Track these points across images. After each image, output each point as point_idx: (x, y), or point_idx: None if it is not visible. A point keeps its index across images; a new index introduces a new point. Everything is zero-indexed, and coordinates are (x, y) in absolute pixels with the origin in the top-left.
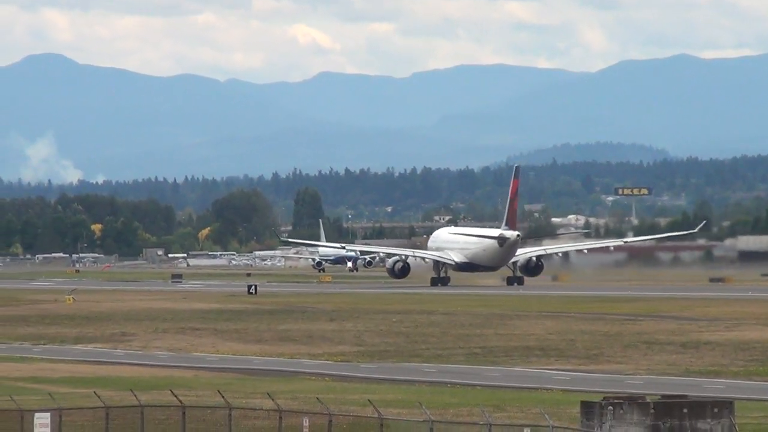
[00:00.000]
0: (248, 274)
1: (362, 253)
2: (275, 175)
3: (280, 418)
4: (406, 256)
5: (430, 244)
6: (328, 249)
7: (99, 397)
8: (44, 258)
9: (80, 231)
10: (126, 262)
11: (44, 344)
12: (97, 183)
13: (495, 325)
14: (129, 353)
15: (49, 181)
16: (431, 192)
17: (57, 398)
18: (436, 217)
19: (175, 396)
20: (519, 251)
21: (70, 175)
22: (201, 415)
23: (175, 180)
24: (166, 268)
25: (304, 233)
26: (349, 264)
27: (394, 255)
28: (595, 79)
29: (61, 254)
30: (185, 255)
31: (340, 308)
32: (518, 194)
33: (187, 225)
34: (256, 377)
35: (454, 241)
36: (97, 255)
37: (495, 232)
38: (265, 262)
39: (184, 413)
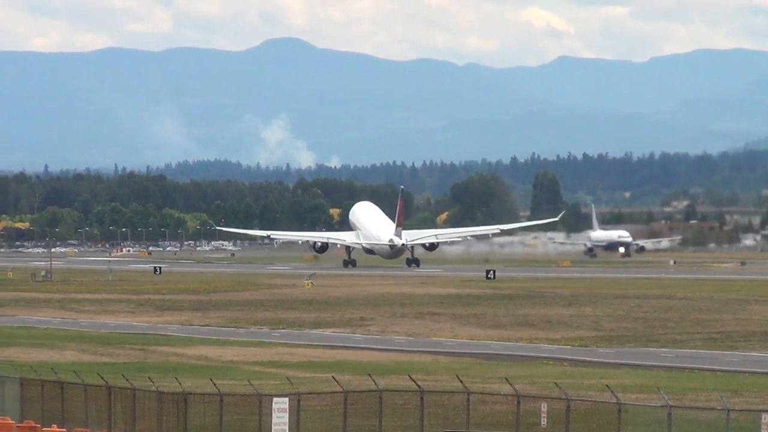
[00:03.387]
0: (486, 260)
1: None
2: (513, 160)
3: (518, 402)
4: (325, 239)
5: (350, 217)
6: (600, 233)
7: (337, 381)
8: (283, 242)
9: (318, 215)
10: None
11: (283, 329)
12: (335, 167)
13: (733, 310)
14: (367, 338)
15: (287, 165)
16: (669, 177)
17: (295, 382)
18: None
19: (413, 381)
20: (420, 234)
21: (303, 157)
22: (439, 400)
23: (413, 164)
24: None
25: (543, 218)
26: (622, 249)
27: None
28: None
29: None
30: None
31: (578, 293)
32: (403, 211)
33: (425, 209)
34: (494, 362)
35: (363, 227)
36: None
37: (388, 235)
38: (503, 249)
39: (422, 398)
